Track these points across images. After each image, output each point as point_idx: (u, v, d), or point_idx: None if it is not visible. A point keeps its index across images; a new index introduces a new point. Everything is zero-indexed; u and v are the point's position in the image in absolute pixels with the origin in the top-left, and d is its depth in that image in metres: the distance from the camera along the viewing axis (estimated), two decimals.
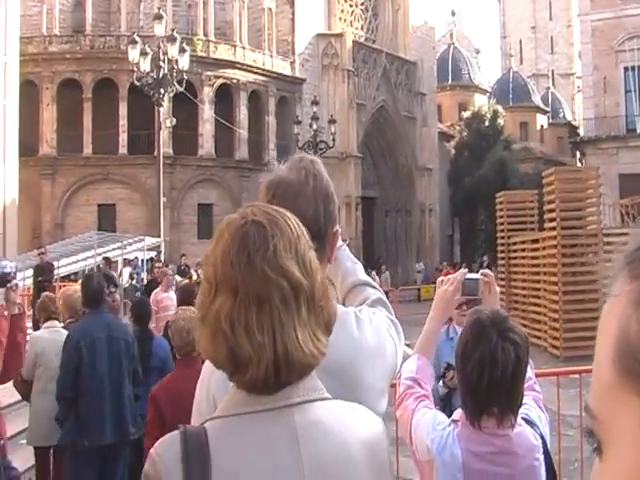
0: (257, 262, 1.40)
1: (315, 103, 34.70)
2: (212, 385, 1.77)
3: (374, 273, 31.99)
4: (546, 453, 2.64)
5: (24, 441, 6.97)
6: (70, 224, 37.22)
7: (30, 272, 20.57)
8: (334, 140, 34.19)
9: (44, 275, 18.38)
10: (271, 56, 43.00)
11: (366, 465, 1.46)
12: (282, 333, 1.39)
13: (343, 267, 2.21)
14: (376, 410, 1.71)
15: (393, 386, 2.62)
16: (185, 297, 6.17)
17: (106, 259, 21.86)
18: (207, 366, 1.78)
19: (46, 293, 7.93)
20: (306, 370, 1.44)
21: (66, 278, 26.17)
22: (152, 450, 1.43)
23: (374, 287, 2.24)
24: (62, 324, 7.08)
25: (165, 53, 24.42)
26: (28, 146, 33.35)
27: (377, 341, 1.95)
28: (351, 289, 2.20)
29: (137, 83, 24.97)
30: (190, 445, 1.39)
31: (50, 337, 6.73)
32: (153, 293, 12.54)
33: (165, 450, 1.42)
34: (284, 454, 1.41)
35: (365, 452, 1.46)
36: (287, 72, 43.63)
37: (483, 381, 2.52)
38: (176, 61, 24.52)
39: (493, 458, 2.54)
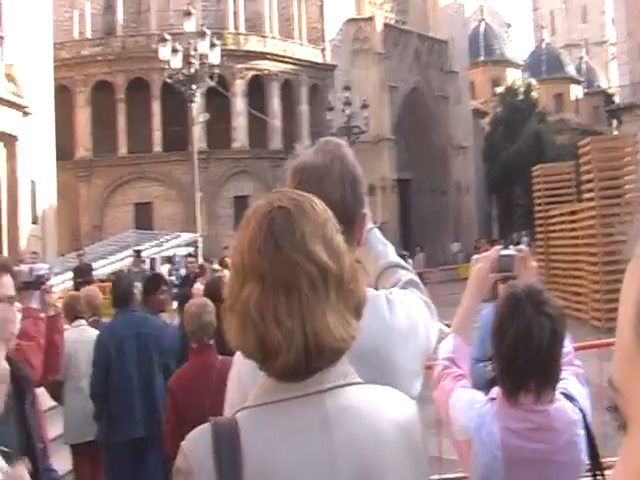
0: (284, 248, 1.38)
1: (347, 88, 34.59)
2: (243, 375, 1.76)
3: (407, 254, 31.73)
4: (587, 428, 2.60)
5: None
6: (108, 224, 37.60)
7: (70, 274, 20.89)
8: (367, 124, 34.06)
9: (83, 276, 18.61)
10: (301, 44, 42.93)
11: (400, 448, 1.45)
12: (311, 318, 1.38)
13: (374, 250, 2.18)
14: (410, 393, 1.68)
15: (430, 367, 2.61)
16: (211, 292, 6.19)
17: (136, 252, 22.07)
18: (238, 356, 1.77)
19: (70, 293, 8.07)
20: (337, 355, 1.43)
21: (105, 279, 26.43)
22: (183, 444, 1.43)
23: (406, 268, 2.20)
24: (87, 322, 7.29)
25: (195, 49, 24.49)
26: (64, 150, 33.75)
27: (409, 323, 1.93)
28: (382, 271, 2.17)
29: (169, 81, 25.08)
30: (221, 437, 1.39)
31: (78, 336, 6.89)
32: (195, 288, 12.63)
33: (196, 443, 1.42)
34: (316, 441, 1.40)
35: (399, 435, 1.45)
36: (318, 59, 43.55)
37: (519, 357, 2.49)
38: (207, 56, 24.57)
39: (532, 434, 2.50)
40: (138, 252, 22.19)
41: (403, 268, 2.20)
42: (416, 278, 2.19)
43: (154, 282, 8.61)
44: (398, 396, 1.53)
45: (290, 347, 1.37)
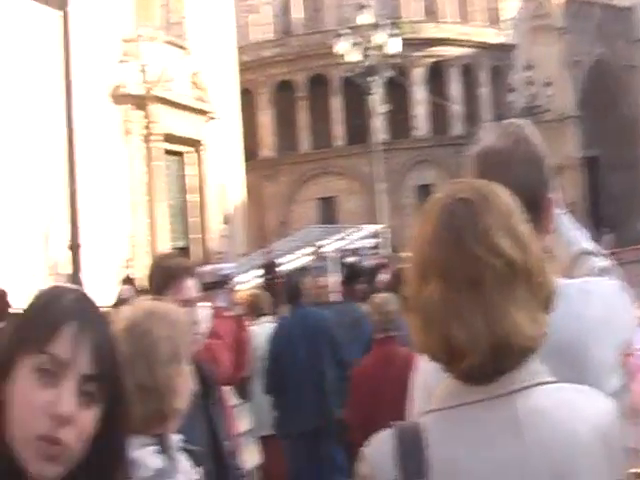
0: (467, 242, 1.32)
1: (529, 67, 33.66)
2: (427, 375, 1.70)
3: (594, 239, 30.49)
4: None
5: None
6: (293, 220, 38.42)
7: (256, 271, 21.49)
8: (551, 103, 33.04)
9: (270, 273, 19.09)
10: (479, 27, 42.21)
11: (595, 448, 1.35)
12: (498, 317, 1.31)
13: (564, 236, 2.07)
14: (606, 388, 1.59)
15: (628, 356, 2.46)
16: (394, 283, 6.22)
17: (316, 248, 22.46)
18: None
19: (253, 291, 8.48)
20: (525, 354, 1.35)
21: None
22: (364, 448, 1.40)
23: (599, 255, 2.08)
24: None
25: (372, 41, 24.59)
26: (248, 151, 34.82)
27: (604, 313, 1.80)
28: (574, 259, 2.06)
29: (348, 74, 25.34)
30: (404, 443, 1.34)
31: (263, 332, 7.16)
32: (379, 279, 12.64)
33: (378, 449, 1.38)
34: (507, 444, 1.33)
35: (594, 435, 1.35)
36: (497, 40, 42.62)
37: None
38: (384, 47, 24.63)
39: None
40: (316, 248, 22.59)
41: (596, 255, 2.07)
42: (611, 265, 2.06)
43: (352, 273, 8.80)
44: (592, 394, 1.43)
45: (476, 348, 1.31)
